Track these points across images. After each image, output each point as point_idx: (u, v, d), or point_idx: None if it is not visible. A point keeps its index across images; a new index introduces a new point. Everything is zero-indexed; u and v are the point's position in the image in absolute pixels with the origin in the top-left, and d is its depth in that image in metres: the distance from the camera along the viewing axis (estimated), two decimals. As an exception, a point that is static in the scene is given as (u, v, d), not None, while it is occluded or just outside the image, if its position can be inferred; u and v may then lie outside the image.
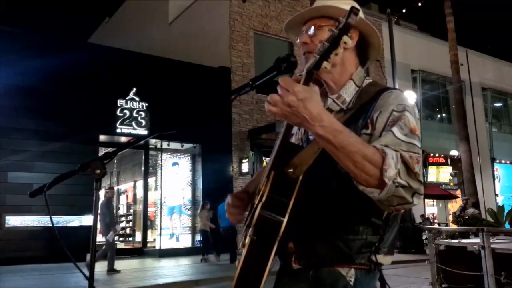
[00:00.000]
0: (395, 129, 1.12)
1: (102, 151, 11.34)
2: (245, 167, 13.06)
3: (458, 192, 18.91)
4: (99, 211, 9.31)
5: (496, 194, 21.07)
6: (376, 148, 1.06)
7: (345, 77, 1.33)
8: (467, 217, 8.76)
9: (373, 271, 1.23)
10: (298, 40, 1.41)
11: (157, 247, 12.31)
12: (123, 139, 11.87)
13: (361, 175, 1.03)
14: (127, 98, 11.74)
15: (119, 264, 9.11)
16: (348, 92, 1.31)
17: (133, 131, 11.64)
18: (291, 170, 1.12)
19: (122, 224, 16.11)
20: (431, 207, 19.92)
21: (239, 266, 1.13)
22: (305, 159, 1.13)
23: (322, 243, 1.21)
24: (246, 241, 1.16)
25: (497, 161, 21.74)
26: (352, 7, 1.04)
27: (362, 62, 1.38)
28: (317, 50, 1.10)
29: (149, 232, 13.33)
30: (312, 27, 1.35)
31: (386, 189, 1.02)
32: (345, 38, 0.99)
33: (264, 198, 1.10)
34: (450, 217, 16.49)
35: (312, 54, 1.32)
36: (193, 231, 13.00)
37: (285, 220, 1.09)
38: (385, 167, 1.02)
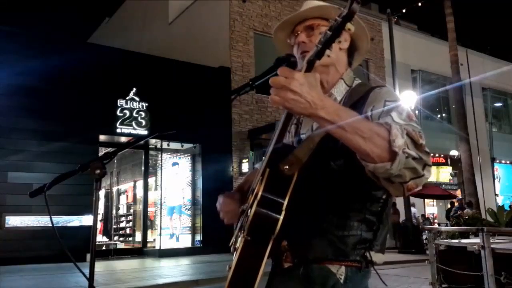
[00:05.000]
0: (393, 114, 1.11)
1: (102, 151, 11.32)
2: (245, 167, 13.05)
3: (458, 192, 18.90)
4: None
5: (496, 194, 21.07)
6: (379, 123, 1.06)
7: (336, 77, 1.36)
8: (467, 217, 8.74)
9: (364, 269, 1.23)
10: (289, 41, 1.43)
11: (157, 247, 12.29)
12: (123, 139, 11.86)
13: (372, 151, 1.01)
14: (127, 98, 11.73)
15: (119, 264, 9.10)
16: (339, 92, 1.33)
17: (133, 131, 11.64)
18: (286, 167, 1.11)
19: (122, 224, 16.12)
20: (431, 207, 19.93)
21: (232, 268, 1.11)
22: (301, 156, 1.13)
23: (317, 239, 1.21)
24: (240, 242, 1.14)
25: (497, 161, 21.73)
26: None
27: (349, 64, 1.42)
28: (318, 40, 1.08)
29: (149, 232, 13.32)
30: (310, 27, 1.37)
31: (398, 159, 0.99)
32: (349, 25, 0.96)
33: (259, 196, 1.09)
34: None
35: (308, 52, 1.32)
36: (193, 231, 13.00)
37: (281, 217, 1.08)
38: (392, 138, 1.00)
